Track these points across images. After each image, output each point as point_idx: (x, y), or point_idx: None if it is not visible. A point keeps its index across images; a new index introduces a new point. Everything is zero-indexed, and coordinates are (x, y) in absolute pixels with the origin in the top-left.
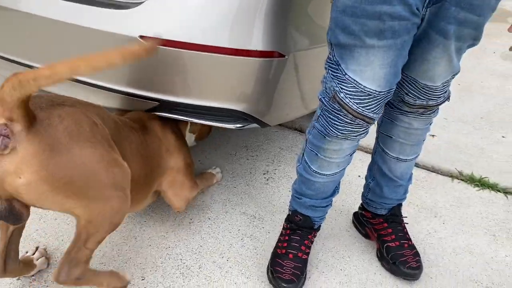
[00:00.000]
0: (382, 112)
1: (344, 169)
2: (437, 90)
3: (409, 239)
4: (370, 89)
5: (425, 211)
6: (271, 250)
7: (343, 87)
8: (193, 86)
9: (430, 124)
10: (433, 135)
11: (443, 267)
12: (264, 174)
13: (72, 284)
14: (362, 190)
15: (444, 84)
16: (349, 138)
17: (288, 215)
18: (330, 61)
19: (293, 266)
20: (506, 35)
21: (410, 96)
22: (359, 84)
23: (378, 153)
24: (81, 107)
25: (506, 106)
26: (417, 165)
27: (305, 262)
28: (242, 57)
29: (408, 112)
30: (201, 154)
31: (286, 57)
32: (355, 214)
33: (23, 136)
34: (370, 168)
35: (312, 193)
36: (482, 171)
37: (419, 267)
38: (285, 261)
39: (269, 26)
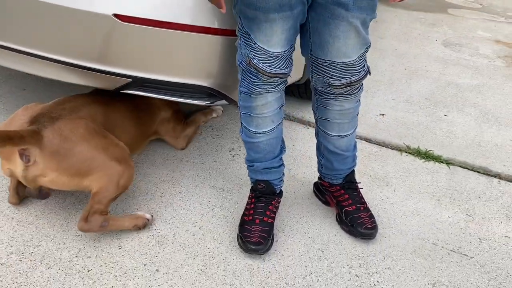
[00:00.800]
0: (292, 64)
1: (280, 124)
2: (356, 65)
3: (364, 203)
4: (277, 52)
5: (378, 181)
6: (239, 220)
7: (255, 54)
8: (164, 62)
9: (359, 101)
10: (382, 114)
11: (395, 228)
12: (230, 151)
13: (98, 230)
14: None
15: (360, 58)
16: (270, 91)
17: (252, 186)
18: (241, 31)
19: (260, 229)
20: (447, 25)
21: (335, 78)
22: (268, 50)
23: (320, 134)
24: (74, 114)
25: (447, 88)
26: (369, 141)
27: (271, 226)
28: (207, 35)
29: (337, 95)
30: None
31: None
32: (315, 184)
33: (38, 152)
34: (318, 147)
35: (260, 156)
36: (428, 145)
37: (374, 227)
38: (252, 226)
39: (230, 6)
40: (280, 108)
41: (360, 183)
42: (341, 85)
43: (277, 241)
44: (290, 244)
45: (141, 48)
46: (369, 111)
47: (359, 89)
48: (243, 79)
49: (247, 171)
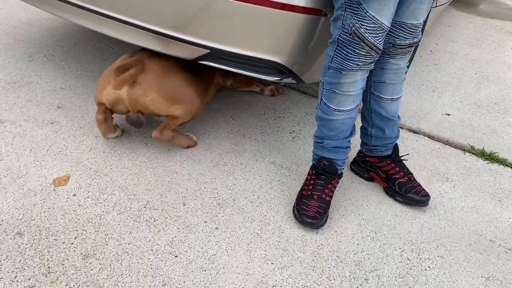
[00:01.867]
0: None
1: (357, 107)
2: (419, 27)
3: (412, 173)
4: (385, 24)
5: (438, 176)
6: (296, 194)
7: (364, 23)
8: (242, 36)
9: (408, 63)
10: (448, 114)
11: (451, 221)
12: (290, 133)
13: (166, 142)
14: (361, 142)
15: (424, 21)
16: (362, 68)
17: (313, 163)
18: (349, 2)
19: (317, 205)
20: None
21: (401, 38)
22: (378, 20)
23: (372, 101)
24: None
25: None
26: (432, 138)
27: (328, 204)
28: (287, 12)
29: (397, 54)
30: (233, 112)
31: (329, 16)
32: (353, 163)
33: (142, 76)
34: (365, 119)
35: (333, 134)
36: (493, 148)
37: (428, 194)
38: (310, 201)
39: None
40: (362, 89)
41: (408, 154)
42: (404, 45)
43: (331, 218)
44: (343, 222)
45: (223, 21)
46: (434, 109)
47: (414, 49)
48: (337, 53)
49: (313, 147)
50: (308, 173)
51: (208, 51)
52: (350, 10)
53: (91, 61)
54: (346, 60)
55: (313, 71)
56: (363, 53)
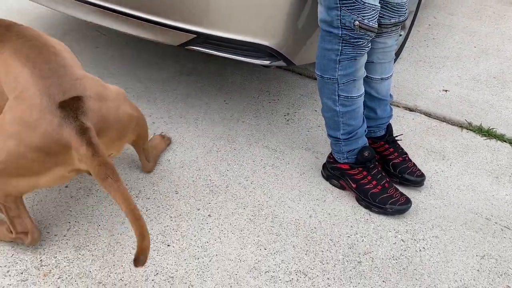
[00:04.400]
0: None
1: None
2: (404, 6)
3: (407, 153)
4: (378, 6)
5: (434, 154)
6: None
7: (366, 14)
8: (229, 20)
9: (397, 39)
10: (446, 90)
11: (447, 200)
12: (284, 115)
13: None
14: None
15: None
16: (368, 47)
17: (355, 161)
18: (342, 0)
19: (395, 189)
20: None
21: (386, 18)
22: (374, 5)
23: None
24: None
25: None
26: (428, 115)
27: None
28: None
29: (383, 33)
30: (226, 95)
31: None
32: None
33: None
34: None
35: (359, 121)
36: (491, 123)
37: (423, 174)
38: (388, 191)
39: None
40: None
41: (402, 134)
42: (389, 24)
43: (324, 201)
44: (337, 205)
45: (208, 4)
46: (431, 86)
47: (399, 28)
48: (347, 46)
49: (342, 148)
50: (356, 173)
51: (195, 35)
52: (346, 8)
53: (82, 49)
54: (359, 48)
55: (303, 52)
56: (368, 38)
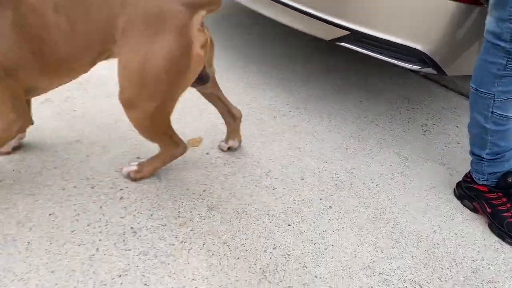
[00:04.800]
0: None
1: None
2: None
3: None
4: None
5: None
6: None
7: None
8: (386, 20)
9: None
10: None
11: None
12: (422, 126)
13: None
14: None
15: None
16: None
17: (493, 186)
18: None
19: None
20: None
21: None
22: None
23: None
24: None
25: None
26: None
27: None
28: None
29: None
30: (362, 96)
31: (485, 6)
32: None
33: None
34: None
35: (509, 143)
36: None
37: None
38: None
39: None
40: None
41: None
42: None
43: (452, 220)
44: (466, 227)
45: (367, 2)
46: None
47: None
48: (511, 61)
49: (484, 169)
50: (493, 198)
51: (348, 32)
52: None
53: (235, 33)
54: None
55: (457, 64)
56: None
